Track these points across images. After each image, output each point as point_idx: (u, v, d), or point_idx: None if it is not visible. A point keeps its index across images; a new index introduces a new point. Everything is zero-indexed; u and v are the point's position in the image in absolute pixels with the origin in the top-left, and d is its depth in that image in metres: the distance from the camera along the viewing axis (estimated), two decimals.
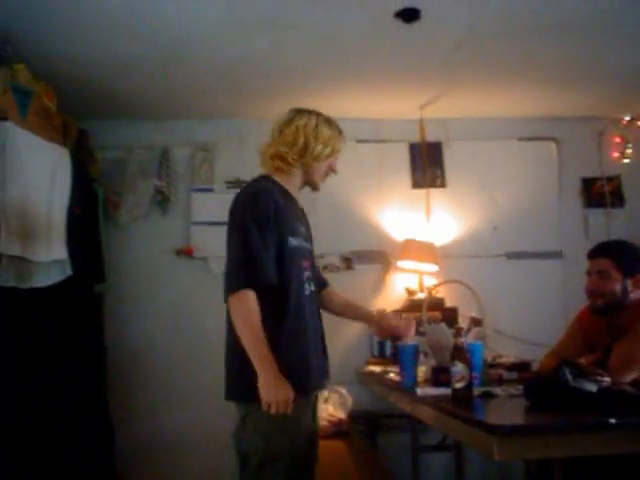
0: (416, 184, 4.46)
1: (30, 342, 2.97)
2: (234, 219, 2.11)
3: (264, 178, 2.22)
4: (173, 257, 4.26)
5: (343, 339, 4.18)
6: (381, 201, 4.42)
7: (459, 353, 2.00)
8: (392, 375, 3.10)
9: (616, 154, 4.59)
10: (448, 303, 4.03)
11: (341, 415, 3.62)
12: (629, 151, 4.54)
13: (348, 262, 4.31)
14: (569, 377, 1.71)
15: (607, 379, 1.70)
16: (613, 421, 1.46)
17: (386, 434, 4.08)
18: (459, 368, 1.97)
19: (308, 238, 2.30)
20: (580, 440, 1.48)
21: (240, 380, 2.02)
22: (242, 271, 2.01)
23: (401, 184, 4.46)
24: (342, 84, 3.91)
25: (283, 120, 2.26)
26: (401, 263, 4.21)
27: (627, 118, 4.48)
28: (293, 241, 2.13)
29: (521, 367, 2.73)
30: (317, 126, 2.22)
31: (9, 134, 2.82)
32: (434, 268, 4.18)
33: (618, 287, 2.42)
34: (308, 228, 2.35)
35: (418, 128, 4.44)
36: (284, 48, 3.41)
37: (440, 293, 4.11)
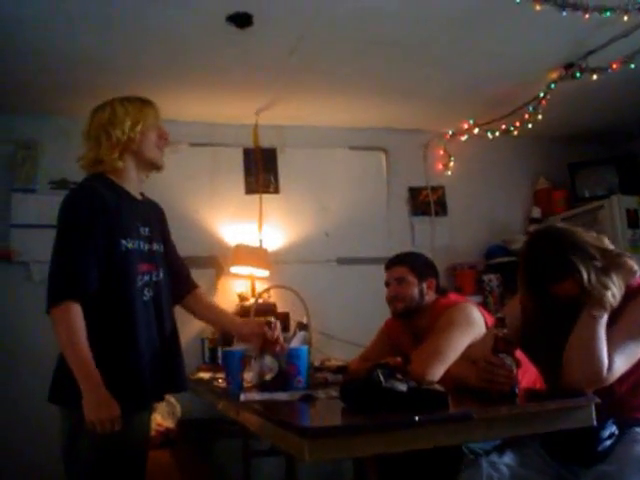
0: (250, 190, 4.47)
1: None
2: (58, 223, 1.98)
3: (95, 177, 2.09)
4: None
5: None
6: (214, 205, 4.38)
7: (268, 346, 2.02)
8: (220, 381, 3.06)
9: (440, 166, 4.88)
10: (280, 308, 4.05)
11: (169, 424, 3.52)
12: (451, 164, 4.84)
13: None
14: (382, 378, 1.77)
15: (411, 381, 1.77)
16: (417, 418, 1.52)
17: (218, 441, 4.03)
18: (267, 361, 2.00)
19: (154, 239, 2.16)
20: (386, 438, 1.53)
21: (69, 383, 1.88)
22: (61, 280, 1.90)
23: (235, 189, 4.45)
24: (175, 85, 3.83)
25: (84, 127, 2.16)
26: (233, 268, 4.20)
27: (450, 132, 4.78)
28: (127, 243, 2.01)
29: (346, 370, 2.80)
30: (111, 112, 2.11)
31: None
32: (266, 273, 4.20)
33: (415, 290, 2.60)
34: (155, 228, 2.20)
35: (252, 133, 4.45)
36: (113, 45, 3.30)
37: (272, 298, 4.13)
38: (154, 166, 2.19)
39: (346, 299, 4.41)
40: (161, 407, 3.55)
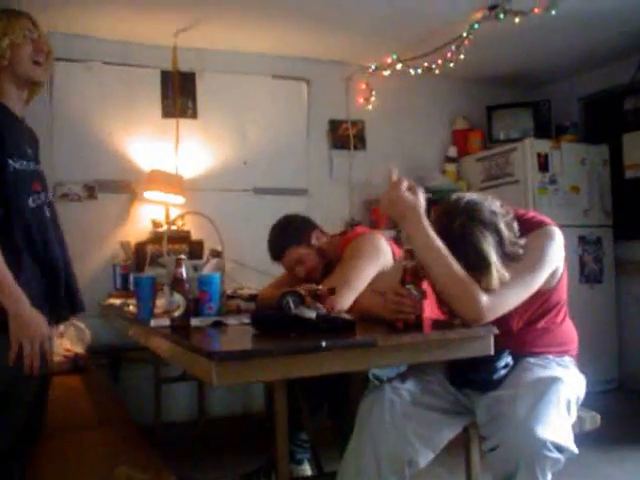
0: (166, 114, 4.33)
1: None
2: None
3: None
4: None
5: (85, 271, 3.99)
6: (129, 129, 4.23)
7: (177, 284, 2.01)
8: (131, 307, 3.03)
9: (361, 100, 4.87)
10: (194, 236, 4.02)
11: (78, 350, 3.47)
12: (373, 99, 4.84)
13: (91, 191, 4.09)
14: (292, 305, 1.80)
15: (322, 307, 1.81)
16: (323, 344, 1.56)
17: (129, 368, 4.02)
18: (176, 298, 1.99)
19: (39, 161, 2.07)
20: (293, 363, 1.56)
21: None
22: None
23: (151, 113, 4.30)
24: None
25: None
26: (147, 194, 4.11)
27: (373, 67, 4.75)
28: (15, 164, 1.91)
29: (255, 297, 2.83)
30: None
31: None
32: (181, 200, 4.14)
33: (313, 256, 2.67)
34: (37, 148, 2.12)
35: (171, 56, 4.28)
36: None
37: (187, 226, 4.08)
38: (30, 81, 2.04)
39: (262, 229, 4.38)
40: (70, 332, 3.50)
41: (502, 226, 1.91)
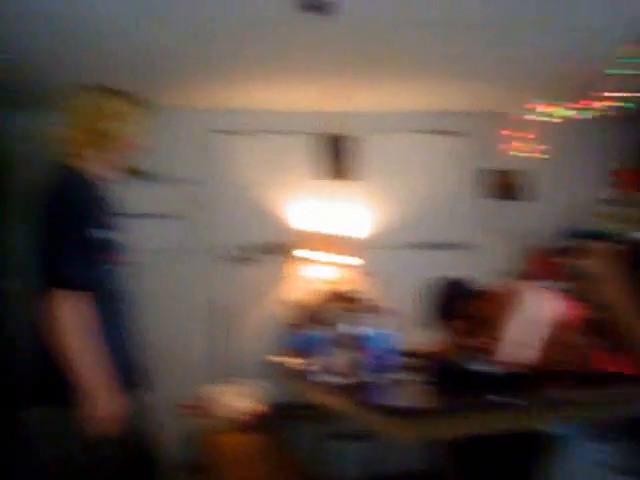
0: (321, 176, 4.47)
1: None
2: (40, 214, 1.95)
3: (64, 167, 2.05)
4: None
5: (253, 331, 4.16)
6: (289, 193, 4.41)
7: (347, 341, 2.03)
8: (301, 366, 3.09)
9: (515, 148, 4.76)
10: (358, 294, 4.04)
11: (253, 408, 3.59)
12: (531, 146, 4.72)
13: (253, 253, 4.28)
14: (466, 361, 1.78)
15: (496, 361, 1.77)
16: (502, 400, 1.52)
17: (299, 425, 4.07)
18: (347, 355, 2.01)
19: (117, 229, 2.11)
20: (473, 420, 1.53)
21: (57, 381, 1.83)
22: (55, 270, 1.88)
23: (305, 176, 4.45)
24: (246, 74, 3.86)
25: (67, 101, 2.11)
26: (311, 254, 4.22)
27: (528, 115, 4.65)
28: (99, 234, 1.97)
29: (429, 354, 2.79)
30: (99, 100, 2.07)
31: None
32: (346, 259, 4.21)
33: None
34: (115, 216, 2.16)
35: (327, 120, 4.44)
36: (182, 36, 3.32)
37: (350, 284, 4.14)
38: (115, 167, 2.16)
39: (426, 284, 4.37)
40: (244, 391, 3.63)
41: None
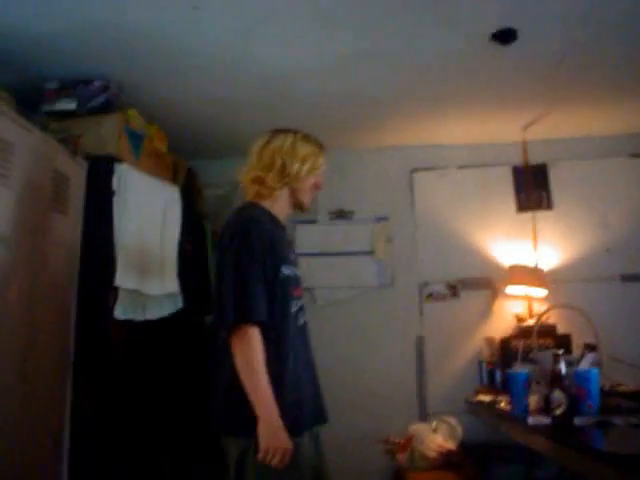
0: (521, 208, 4.36)
1: (145, 370, 3.10)
2: (228, 251, 2.01)
3: (252, 205, 2.16)
4: None
5: (451, 368, 4.12)
6: (486, 227, 4.35)
7: (556, 380, 1.93)
8: (503, 404, 3.01)
9: None
10: (560, 329, 3.86)
11: (451, 446, 3.54)
12: None
13: (454, 289, 4.27)
14: None
15: None
16: None
17: (499, 465, 3.93)
18: (556, 395, 1.91)
19: (296, 265, 2.21)
20: None
21: (244, 412, 1.88)
22: (245, 306, 1.92)
23: (506, 208, 4.37)
24: (441, 110, 3.91)
25: (260, 143, 2.22)
26: (509, 289, 4.11)
27: None
28: (286, 270, 2.04)
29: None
30: (293, 144, 2.17)
31: (125, 175, 3.00)
32: (543, 293, 4.05)
33: None
34: (295, 255, 2.29)
35: (521, 150, 4.35)
36: (380, 78, 3.44)
37: (551, 319, 3.95)
38: (301, 209, 2.24)
39: (633, 319, 4.07)
40: (442, 428, 3.60)
41: None
